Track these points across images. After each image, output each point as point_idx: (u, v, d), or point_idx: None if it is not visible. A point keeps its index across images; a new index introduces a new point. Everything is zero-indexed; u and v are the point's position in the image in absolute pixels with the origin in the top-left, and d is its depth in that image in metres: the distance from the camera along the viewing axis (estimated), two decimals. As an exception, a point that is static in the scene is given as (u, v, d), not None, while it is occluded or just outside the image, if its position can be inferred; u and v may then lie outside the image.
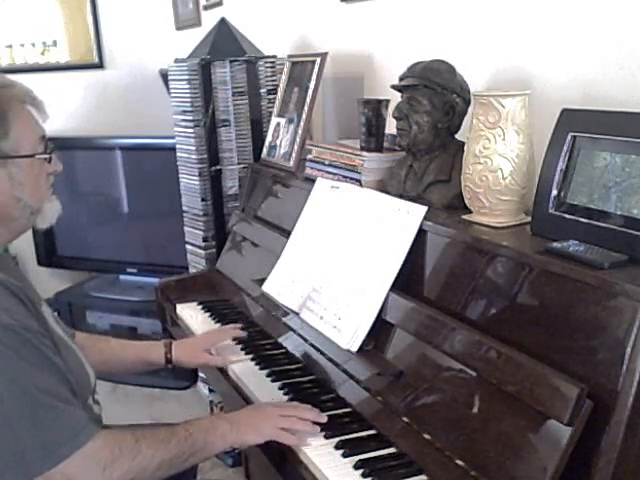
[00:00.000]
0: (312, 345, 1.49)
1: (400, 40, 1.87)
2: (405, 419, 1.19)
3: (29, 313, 1.11)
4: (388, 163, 1.61)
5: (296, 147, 1.98)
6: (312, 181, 1.72)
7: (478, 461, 1.03)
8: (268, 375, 1.48)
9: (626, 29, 1.25)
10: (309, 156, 1.84)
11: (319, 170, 1.77)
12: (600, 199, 1.11)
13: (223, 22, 2.30)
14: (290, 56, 2.18)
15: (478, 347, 1.09)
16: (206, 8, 3.01)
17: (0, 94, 1.12)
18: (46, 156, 1.19)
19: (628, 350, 0.91)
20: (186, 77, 2.18)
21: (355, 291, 1.39)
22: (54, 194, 1.24)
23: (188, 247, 2.39)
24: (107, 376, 1.47)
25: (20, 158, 1.14)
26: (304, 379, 1.44)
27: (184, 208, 2.36)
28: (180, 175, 2.34)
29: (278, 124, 2.11)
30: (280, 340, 1.63)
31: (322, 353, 1.45)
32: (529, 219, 1.24)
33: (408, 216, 1.35)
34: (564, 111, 1.18)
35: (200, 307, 1.94)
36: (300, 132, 1.98)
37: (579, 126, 1.15)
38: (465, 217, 1.34)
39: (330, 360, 1.41)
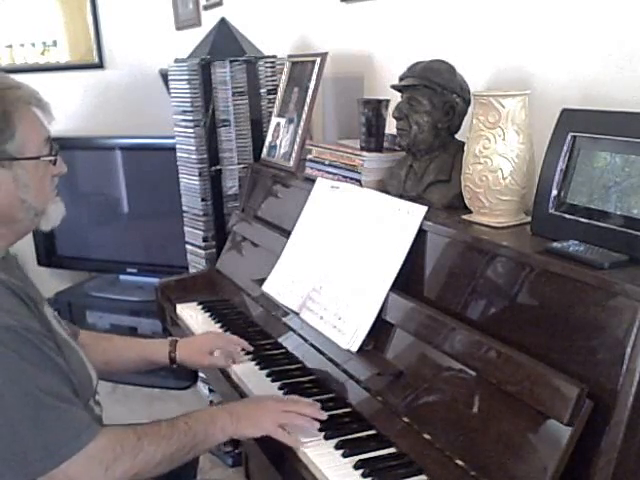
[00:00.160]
0: (312, 345, 1.49)
1: (400, 40, 1.87)
2: (405, 419, 1.19)
3: (31, 314, 1.11)
4: (388, 163, 1.61)
5: (296, 147, 1.98)
6: (312, 181, 1.72)
7: (478, 461, 1.03)
8: (268, 375, 1.48)
9: (626, 29, 1.25)
10: (309, 156, 1.84)
11: (319, 170, 1.77)
12: (600, 199, 1.11)
13: (223, 22, 2.30)
14: (290, 56, 2.18)
15: (478, 347, 1.09)
16: (206, 8, 3.01)
17: (6, 96, 1.12)
18: (51, 158, 1.19)
19: (628, 350, 0.91)
20: (186, 77, 2.18)
21: (355, 291, 1.39)
22: (58, 196, 1.24)
23: (188, 247, 2.39)
24: (109, 375, 1.47)
25: (25, 160, 1.14)
26: (304, 379, 1.44)
27: (184, 208, 2.36)
28: (180, 175, 2.34)
29: (278, 124, 2.11)
30: (280, 340, 1.63)
31: (322, 353, 1.45)
32: (529, 219, 1.24)
33: (408, 216, 1.35)
34: (564, 111, 1.18)
35: (200, 307, 1.93)
36: (300, 132, 1.98)
37: (579, 126, 1.15)
38: (465, 217, 1.34)
39: (330, 360, 1.41)
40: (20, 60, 3.58)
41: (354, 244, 1.46)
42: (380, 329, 1.32)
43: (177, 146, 2.31)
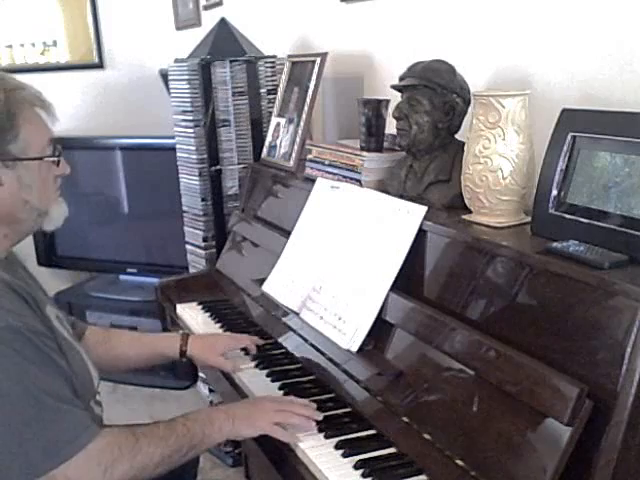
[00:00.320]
0: (312, 345, 1.49)
1: (400, 40, 1.87)
2: (405, 419, 1.19)
3: (33, 314, 1.11)
4: (388, 163, 1.61)
5: (296, 147, 1.98)
6: (312, 181, 1.72)
7: (478, 461, 1.03)
8: (268, 375, 1.48)
9: (626, 29, 1.25)
10: (309, 156, 1.84)
11: (319, 170, 1.77)
12: (600, 199, 1.11)
13: (223, 22, 2.30)
14: (290, 56, 2.18)
15: (478, 347, 1.09)
16: (206, 8, 3.01)
17: (11, 96, 1.13)
18: (54, 159, 1.20)
19: (628, 350, 0.91)
20: (186, 77, 2.18)
21: (355, 291, 1.39)
22: (61, 196, 1.24)
23: (188, 247, 2.39)
24: (120, 371, 1.46)
25: (29, 160, 1.14)
26: (304, 379, 1.44)
27: (184, 208, 2.36)
28: (180, 175, 2.34)
29: (278, 124, 2.11)
30: (280, 340, 1.63)
31: (322, 353, 1.45)
32: (529, 219, 1.24)
33: (408, 216, 1.35)
34: (564, 111, 1.18)
35: (200, 307, 1.94)
36: (300, 132, 1.98)
37: (579, 126, 1.15)
38: (465, 217, 1.34)
39: (330, 360, 1.41)
40: (20, 60, 3.57)
41: (354, 244, 1.46)
42: (380, 329, 1.32)
43: (177, 146, 2.31)
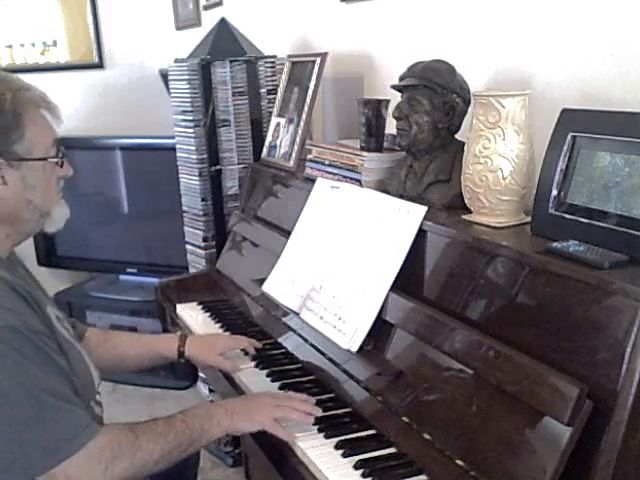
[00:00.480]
0: (312, 345, 1.49)
1: (400, 40, 1.87)
2: (405, 419, 1.19)
3: (34, 314, 1.12)
4: (388, 163, 1.61)
5: (296, 147, 1.98)
6: (312, 181, 1.72)
7: (478, 461, 1.03)
8: (268, 375, 1.48)
9: (626, 29, 1.25)
10: (309, 156, 1.84)
11: (319, 170, 1.77)
12: (600, 199, 1.11)
13: (223, 22, 2.30)
14: (290, 56, 2.18)
15: (478, 347, 1.09)
16: (206, 8, 3.01)
17: (17, 97, 1.13)
18: (58, 159, 1.21)
19: (628, 350, 0.91)
20: (186, 77, 2.18)
21: (355, 291, 1.39)
22: (63, 198, 1.25)
23: (188, 247, 2.39)
24: (119, 372, 1.47)
25: (33, 161, 1.15)
26: (304, 379, 1.44)
27: (184, 208, 2.36)
28: (180, 175, 2.34)
29: (278, 124, 2.11)
30: (280, 340, 1.63)
31: (322, 353, 1.45)
32: (529, 219, 1.24)
33: (408, 216, 1.35)
34: (564, 111, 1.18)
35: (200, 307, 1.93)
36: (300, 132, 1.98)
37: (579, 126, 1.15)
38: (465, 217, 1.34)
39: (330, 360, 1.41)
40: (20, 60, 3.58)
41: (354, 244, 1.46)
42: (380, 329, 1.32)
43: (177, 146, 2.31)
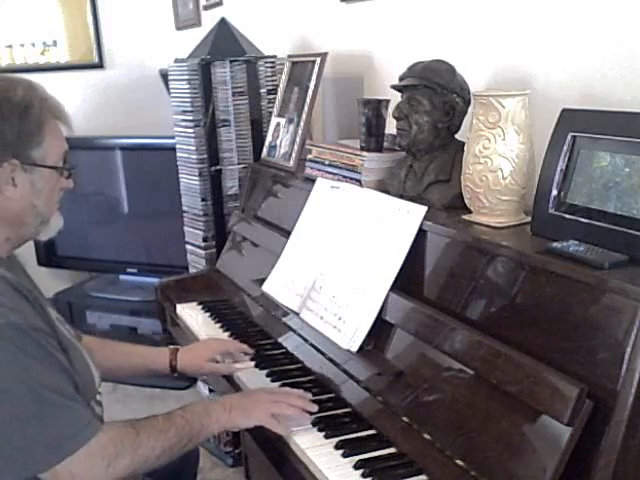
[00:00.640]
0: (312, 345, 1.49)
1: (400, 40, 1.87)
2: (405, 419, 1.19)
3: (36, 313, 1.13)
4: (388, 163, 1.61)
5: (296, 147, 1.98)
6: (312, 181, 1.72)
7: (478, 461, 1.03)
8: (268, 375, 1.48)
9: (626, 29, 1.25)
10: (309, 156, 1.84)
11: (319, 170, 1.77)
12: (600, 199, 1.11)
13: (223, 22, 2.30)
14: (290, 56, 2.18)
15: (478, 347, 1.09)
16: (206, 8, 3.01)
17: (40, 106, 1.17)
18: (67, 170, 1.24)
19: (628, 350, 0.91)
20: (186, 77, 2.18)
21: (355, 291, 1.39)
22: (60, 209, 1.28)
23: (188, 247, 2.39)
24: (110, 379, 1.49)
25: (45, 168, 1.18)
26: (304, 379, 1.44)
27: (184, 208, 2.36)
28: (180, 175, 2.34)
29: (278, 124, 2.11)
30: (280, 340, 1.63)
31: (322, 353, 1.45)
32: (529, 219, 1.24)
33: (408, 216, 1.35)
34: (564, 111, 1.18)
35: (200, 307, 1.93)
36: (300, 132, 1.98)
37: (579, 126, 1.15)
38: (465, 217, 1.34)
39: (330, 360, 1.41)
40: (20, 60, 3.58)
41: (354, 244, 1.46)
42: (380, 329, 1.32)
43: (177, 146, 2.32)
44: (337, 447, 1.18)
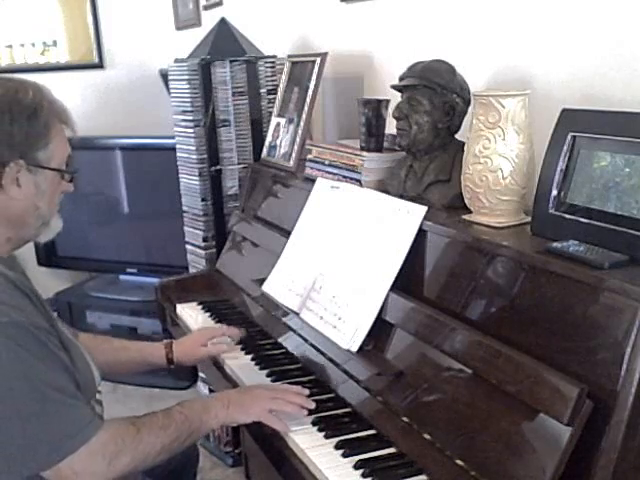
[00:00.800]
0: (312, 345, 1.49)
1: (400, 40, 1.87)
2: (405, 419, 1.19)
3: (37, 311, 1.13)
4: (388, 163, 1.61)
5: (296, 147, 1.98)
6: (312, 181, 1.72)
7: (478, 461, 1.03)
8: (268, 375, 1.48)
9: (626, 29, 1.25)
10: (309, 156, 1.84)
11: (319, 170, 1.77)
12: (600, 199, 1.11)
13: (223, 22, 2.30)
14: (290, 56, 2.18)
15: (478, 347, 1.09)
16: (206, 8, 3.01)
17: (48, 108, 1.18)
18: (71, 174, 1.25)
19: (628, 350, 0.91)
20: (186, 77, 2.18)
21: (355, 291, 1.39)
22: (59, 212, 1.28)
23: (188, 247, 2.39)
24: (108, 376, 1.50)
25: (50, 170, 1.19)
26: (304, 379, 1.44)
27: (184, 208, 2.36)
28: (180, 175, 2.34)
29: (278, 124, 2.11)
30: (280, 340, 1.63)
31: (322, 353, 1.45)
32: (529, 219, 1.24)
33: (408, 216, 1.35)
34: (564, 111, 1.18)
35: (200, 307, 1.94)
36: (300, 132, 1.98)
37: (579, 126, 1.15)
38: (465, 217, 1.34)
39: (330, 360, 1.41)
40: (20, 60, 3.57)
41: (354, 244, 1.46)
42: (380, 329, 1.32)
43: (177, 146, 2.31)
44: (337, 447, 1.18)
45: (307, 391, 1.32)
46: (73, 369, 1.15)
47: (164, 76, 2.59)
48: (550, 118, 1.20)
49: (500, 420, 1.03)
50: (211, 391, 2.44)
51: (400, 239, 1.33)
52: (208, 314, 1.88)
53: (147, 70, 3.30)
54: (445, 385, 1.15)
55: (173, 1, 3.31)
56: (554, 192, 1.17)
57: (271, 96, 2.22)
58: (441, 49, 1.64)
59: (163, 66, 2.53)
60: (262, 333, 1.70)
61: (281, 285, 1.63)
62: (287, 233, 1.71)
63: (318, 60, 1.96)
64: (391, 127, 1.59)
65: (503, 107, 1.23)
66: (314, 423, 1.25)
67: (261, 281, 1.70)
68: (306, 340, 1.52)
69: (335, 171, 1.70)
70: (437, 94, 1.44)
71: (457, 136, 1.50)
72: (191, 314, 1.90)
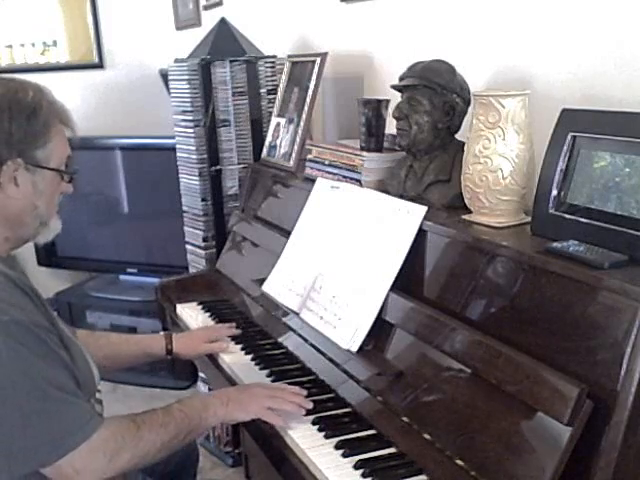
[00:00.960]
0: (312, 345, 1.49)
1: (400, 40, 1.87)
2: (405, 419, 1.19)
3: (37, 310, 1.14)
4: (388, 163, 1.61)
5: (296, 147, 1.98)
6: (312, 181, 1.72)
7: (478, 461, 1.03)
8: (268, 375, 1.48)
9: (626, 29, 1.25)
10: (309, 156, 1.84)
11: (319, 170, 1.77)
12: (600, 199, 1.11)
13: (223, 22, 2.30)
14: (290, 56, 2.18)
15: (478, 347, 1.09)
16: (206, 8, 3.00)
17: (48, 108, 1.19)
18: (69, 176, 1.25)
19: (628, 350, 0.91)
20: (186, 77, 2.17)
21: (355, 291, 1.39)
22: (58, 213, 1.29)
23: (188, 247, 2.39)
24: (109, 372, 1.51)
25: (48, 170, 1.20)
26: (304, 379, 1.44)
27: (184, 208, 2.36)
28: (180, 175, 2.34)
29: (278, 124, 2.11)
30: (280, 340, 1.63)
31: (322, 353, 1.45)
32: (529, 219, 1.24)
33: (408, 216, 1.35)
34: (564, 111, 1.18)
35: (200, 307, 1.94)
36: (300, 132, 1.98)
37: (579, 126, 1.15)
38: (465, 217, 1.34)
39: (330, 360, 1.41)
40: (20, 60, 3.57)
41: (354, 244, 1.46)
42: (380, 329, 1.32)
43: (177, 146, 2.31)
44: (337, 447, 1.18)
45: (305, 391, 1.32)
46: (73, 367, 1.16)
47: (164, 76, 2.59)
48: (550, 118, 1.20)
49: (500, 420, 1.03)
50: (211, 391, 2.44)
51: (400, 239, 1.33)
52: (208, 314, 1.88)
53: (147, 70, 3.30)
54: (445, 385, 1.15)
55: (173, 1, 3.31)
56: (554, 192, 1.17)
57: (271, 96, 2.22)
58: (441, 49, 1.64)
59: (163, 66, 2.53)
60: (262, 333, 1.70)
61: (281, 285, 1.63)
62: (287, 233, 1.71)
63: (318, 60, 1.96)
64: (391, 127, 1.59)
65: (503, 107, 1.23)
66: (314, 423, 1.25)
67: (261, 281, 1.70)
68: (306, 340, 1.52)
69: (335, 171, 1.70)
70: (437, 94, 1.44)
71: (457, 136, 1.50)
72: (191, 314, 1.90)
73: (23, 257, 3.34)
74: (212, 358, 1.63)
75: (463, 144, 1.36)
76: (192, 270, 2.37)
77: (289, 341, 1.60)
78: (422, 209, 1.33)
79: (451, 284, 1.25)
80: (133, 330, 3.15)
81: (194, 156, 2.22)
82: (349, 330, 1.35)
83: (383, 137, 1.67)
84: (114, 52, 3.56)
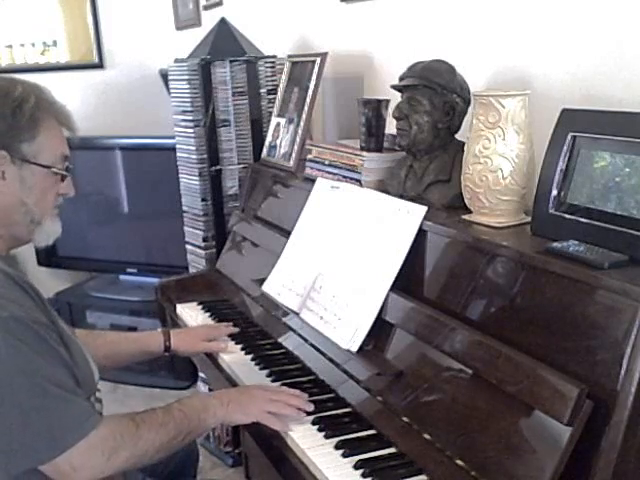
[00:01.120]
0: (312, 345, 1.49)
1: (400, 40, 1.87)
2: (405, 419, 1.19)
3: (37, 307, 1.14)
4: (388, 163, 1.61)
5: (296, 147, 1.98)
6: (312, 181, 1.72)
7: (478, 461, 1.03)
8: (268, 375, 1.48)
9: (626, 29, 1.25)
10: (309, 156, 1.84)
11: (319, 170, 1.77)
12: (600, 199, 1.11)
13: (223, 22, 2.30)
14: (290, 56, 2.18)
15: (478, 347, 1.09)
16: (206, 8, 3.00)
17: (41, 104, 1.19)
18: (60, 172, 1.23)
19: (628, 350, 0.91)
20: (186, 77, 2.17)
21: (355, 291, 1.39)
22: (58, 215, 1.27)
23: (188, 247, 2.39)
24: (108, 370, 1.51)
25: (36, 166, 1.19)
26: (304, 379, 1.44)
27: (184, 208, 2.36)
28: (180, 175, 2.34)
29: (278, 124, 2.11)
30: (280, 340, 1.63)
31: (322, 353, 1.45)
32: (529, 219, 1.24)
33: (408, 216, 1.35)
34: (564, 111, 1.18)
35: (200, 307, 1.94)
36: (300, 132, 1.98)
37: (579, 126, 1.15)
38: (465, 217, 1.34)
39: (330, 360, 1.41)
40: (20, 60, 3.57)
41: (354, 244, 1.46)
42: (380, 329, 1.32)
43: (177, 146, 2.31)
44: (337, 447, 1.18)
45: (306, 395, 1.31)
46: (72, 365, 1.15)
47: (164, 76, 2.59)
48: (550, 118, 1.20)
49: (500, 420, 1.03)
50: (211, 391, 2.44)
51: (400, 239, 1.33)
52: (208, 314, 1.88)
53: (147, 70, 3.30)
54: (445, 385, 1.15)
55: (173, 1, 3.31)
56: (554, 192, 1.17)
57: (271, 96, 2.22)
58: (441, 49, 1.64)
59: (163, 66, 2.53)
60: (262, 333, 1.70)
61: (281, 285, 1.63)
62: (287, 233, 1.71)
63: (318, 60, 1.96)
64: (391, 127, 1.59)
65: (503, 107, 1.23)
66: (314, 423, 1.25)
67: (261, 281, 1.70)
68: (306, 340, 1.52)
69: (335, 171, 1.70)
70: (437, 94, 1.44)
71: (457, 136, 1.50)
72: (191, 314, 1.90)
73: (23, 257, 3.34)
74: (212, 358, 1.63)
75: (463, 144, 1.36)
76: (192, 270, 2.37)
77: (289, 341, 1.60)
78: (422, 209, 1.33)
79: (451, 284, 1.25)
80: (133, 330, 3.14)
81: (194, 156, 2.22)
82: (349, 330, 1.35)
83: (383, 137, 1.67)
84: (114, 52, 3.56)
